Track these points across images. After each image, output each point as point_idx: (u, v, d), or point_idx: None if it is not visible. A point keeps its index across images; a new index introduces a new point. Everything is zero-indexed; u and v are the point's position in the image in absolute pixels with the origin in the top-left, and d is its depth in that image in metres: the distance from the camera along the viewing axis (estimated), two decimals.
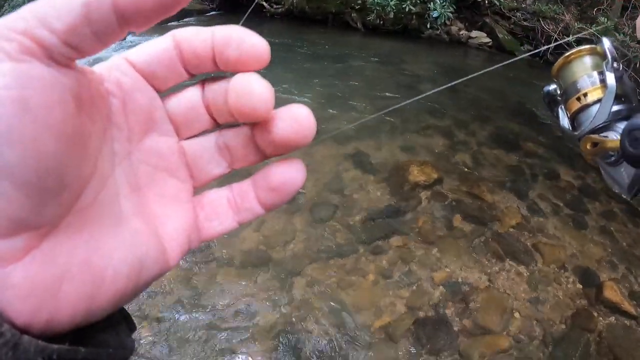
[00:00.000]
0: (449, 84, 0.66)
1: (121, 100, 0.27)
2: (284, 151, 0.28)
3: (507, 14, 7.95)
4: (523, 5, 7.87)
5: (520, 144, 4.23)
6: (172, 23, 10.28)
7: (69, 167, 0.22)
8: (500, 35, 7.92)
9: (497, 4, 7.89)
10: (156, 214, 0.28)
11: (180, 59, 0.27)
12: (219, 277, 2.56)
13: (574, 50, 0.94)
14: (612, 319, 2.53)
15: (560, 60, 0.97)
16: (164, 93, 0.29)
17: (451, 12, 7.75)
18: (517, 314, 2.45)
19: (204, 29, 0.27)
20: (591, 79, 0.92)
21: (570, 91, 0.95)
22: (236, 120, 0.28)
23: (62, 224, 0.22)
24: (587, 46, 0.94)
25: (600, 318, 2.52)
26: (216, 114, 0.29)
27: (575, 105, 0.93)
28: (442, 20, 7.82)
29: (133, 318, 0.29)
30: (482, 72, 0.73)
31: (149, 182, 0.28)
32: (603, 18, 6.81)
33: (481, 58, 7.86)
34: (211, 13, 11.56)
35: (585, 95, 0.91)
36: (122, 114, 0.27)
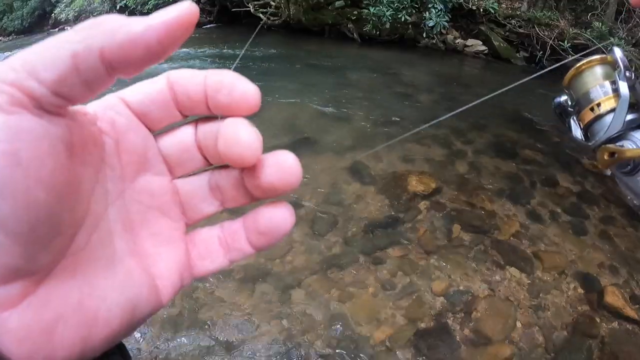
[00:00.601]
0: (481, 99, 0.66)
1: (115, 140, 0.27)
2: (272, 196, 0.29)
3: (502, 22, 8.00)
4: (518, 13, 7.91)
5: (517, 151, 4.24)
6: None
7: (61, 215, 0.22)
8: (495, 43, 7.96)
9: (492, 11, 7.94)
10: (149, 253, 0.28)
11: (174, 101, 0.27)
12: (218, 292, 2.56)
13: (584, 61, 0.94)
14: (615, 324, 2.51)
15: (572, 71, 0.97)
16: (158, 131, 0.30)
17: (447, 21, 7.81)
18: (518, 322, 2.44)
19: (198, 72, 0.27)
20: (603, 88, 0.92)
21: (582, 102, 0.95)
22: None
23: (57, 268, 0.23)
24: (598, 56, 0.94)
25: (603, 324, 2.50)
26: (208, 155, 0.30)
27: (589, 116, 0.93)
28: (438, 29, 7.87)
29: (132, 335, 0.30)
30: (513, 85, 0.74)
31: (142, 221, 0.29)
32: (597, 23, 6.85)
33: (478, 66, 7.90)
34: (208, 26, 11.63)
35: (598, 105, 0.91)
36: (116, 154, 0.27)
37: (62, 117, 0.22)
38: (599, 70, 0.94)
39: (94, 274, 0.25)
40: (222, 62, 7.34)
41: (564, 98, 1.02)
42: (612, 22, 6.94)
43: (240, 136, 0.25)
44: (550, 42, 7.22)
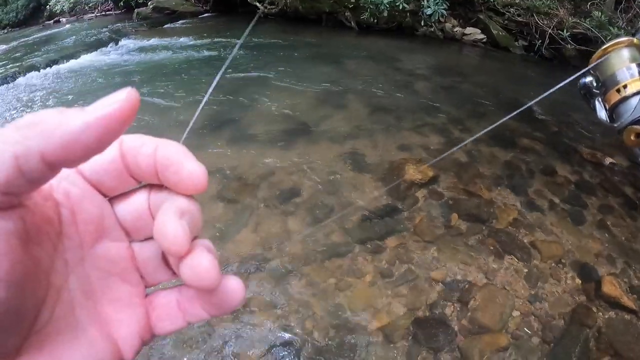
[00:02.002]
0: (528, 105, 0.66)
1: (70, 210, 0.28)
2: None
3: (501, 10, 7.94)
4: (517, 1, 7.85)
5: (516, 140, 4.22)
6: (167, 26, 10.28)
7: (23, 304, 0.23)
8: (494, 32, 7.93)
9: (491, 0, 7.89)
10: (111, 319, 0.30)
11: (126, 169, 0.29)
12: None
13: (611, 43, 0.95)
14: (612, 313, 2.51)
15: (598, 52, 0.97)
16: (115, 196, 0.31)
17: (445, 9, 7.76)
18: (516, 311, 2.44)
19: (149, 142, 0.28)
20: (630, 71, 0.92)
21: (609, 83, 0.95)
22: None
23: (23, 347, 0.24)
24: (625, 38, 0.94)
25: (600, 313, 2.50)
26: None
27: (615, 97, 0.93)
28: (436, 18, 7.83)
29: None
30: (554, 89, 0.74)
31: (103, 287, 0.30)
32: (597, 12, 6.80)
33: (476, 55, 7.87)
34: (204, 15, 11.56)
35: (625, 87, 0.91)
36: (72, 223, 0.28)
37: (13, 209, 0.23)
38: (625, 52, 0.95)
39: (59, 347, 0.26)
40: (219, 51, 7.29)
41: (589, 79, 1.03)
42: (612, 12, 6.89)
43: (167, 231, 0.26)
44: (550, 31, 7.18)
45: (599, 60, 0.99)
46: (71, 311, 0.27)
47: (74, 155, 0.22)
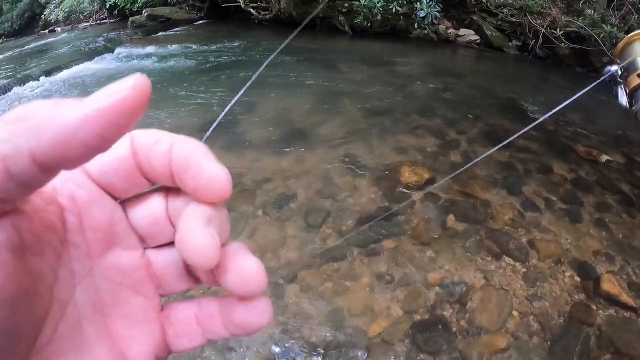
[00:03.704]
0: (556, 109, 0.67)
1: (77, 216, 0.25)
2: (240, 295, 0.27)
3: (494, 11, 7.98)
4: (510, 1, 7.89)
5: (512, 140, 4.22)
6: (162, 34, 10.29)
7: (20, 323, 0.21)
8: (488, 32, 7.96)
9: (484, 1, 7.92)
10: (122, 337, 0.27)
11: (139, 169, 0.25)
12: (215, 288, 2.53)
13: (635, 33, 1.00)
14: (612, 311, 2.50)
15: (624, 40, 1.03)
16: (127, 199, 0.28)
17: (438, 12, 7.79)
18: (515, 312, 2.43)
19: (165, 139, 0.25)
20: None
21: (631, 68, 1.00)
22: None
23: None
24: None
25: (600, 311, 2.49)
26: None
27: (635, 82, 0.98)
28: (430, 20, 7.85)
29: None
30: (576, 96, 0.76)
31: (114, 301, 0.27)
32: (590, 10, 6.83)
33: (471, 56, 7.89)
34: (199, 22, 11.59)
35: None
36: (80, 231, 0.25)
37: (5, 217, 0.20)
38: None
39: None
40: (214, 59, 7.30)
41: (615, 68, 1.08)
42: (605, 10, 6.92)
43: (193, 242, 0.23)
44: (543, 30, 7.21)
45: (626, 47, 1.06)
46: (78, 328, 0.25)
47: (71, 155, 0.19)
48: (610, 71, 1.09)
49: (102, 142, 0.19)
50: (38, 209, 0.23)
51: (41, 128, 0.18)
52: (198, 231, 0.23)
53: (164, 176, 0.25)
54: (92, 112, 0.19)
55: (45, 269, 0.23)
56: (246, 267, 0.25)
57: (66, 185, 0.25)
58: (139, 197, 0.27)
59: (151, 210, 0.27)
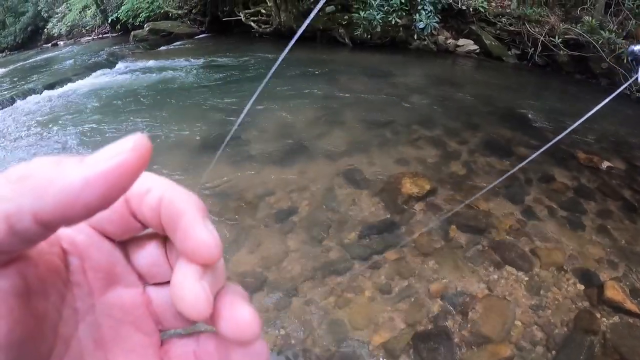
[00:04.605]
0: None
1: (79, 257, 0.26)
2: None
3: (493, 20, 8.02)
4: (508, 11, 7.93)
5: (512, 149, 4.23)
6: (164, 48, 10.37)
7: None
8: (487, 42, 7.99)
9: (482, 10, 7.96)
10: None
11: (133, 217, 0.26)
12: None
13: None
14: (616, 318, 2.49)
15: None
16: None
17: (437, 22, 7.83)
18: (518, 321, 2.43)
19: (155, 189, 0.25)
20: None
21: None
22: None
23: None
24: None
25: (604, 319, 2.48)
26: None
27: None
28: (429, 31, 7.90)
29: None
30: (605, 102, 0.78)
31: (115, 337, 0.27)
32: (588, 17, 6.85)
33: (470, 65, 7.91)
34: (200, 36, 11.68)
35: None
36: (81, 271, 0.26)
37: (11, 265, 0.21)
38: None
39: None
40: (216, 72, 7.35)
41: (637, 47, 1.14)
42: (602, 16, 6.94)
43: (185, 296, 0.24)
44: (541, 38, 7.24)
45: None
46: None
47: (72, 215, 0.20)
48: (633, 50, 1.15)
49: (104, 202, 0.20)
50: (42, 252, 0.24)
51: (44, 189, 0.19)
52: (190, 284, 0.24)
53: (156, 227, 0.25)
54: (94, 175, 0.19)
55: (50, 309, 0.24)
56: (240, 316, 0.25)
57: (66, 229, 0.25)
58: (139, 238, 0.28)
59: (150, 251, 0.28)
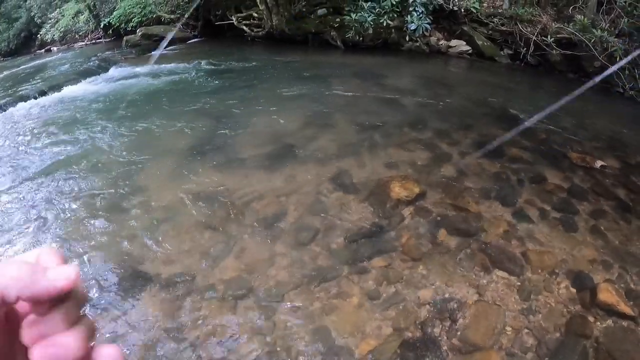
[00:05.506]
0: None
1: None
2: None
3: (485, 21, 8.00)
4: (500, 11, 7.91)
5: (504, 150, 4.18)
6: (155, 52, 10.33)
7: None
8: (479, 42, 7.97)
9: (474, 11, 7.94)
10: None
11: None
12: (203, 310, 2.48)
13: None
14: (609, 321, 2.44)
15: None
16: None
17: (429, 24, 7.81)
18: (508, 327, 2.37)
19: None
20: None
21: None
22: None
23: None
24: None
25: (597, 322, 2.43)
26: None
27: None
28: (421, 32, 7.87)
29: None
30: None
31: None
32: (580, 16, 6.83)
33: (462, 66, 7.90)
34: (193, 40, 11.66)
35: None
36: None
37: None
38: None
39: None
40: (208, 76, 7.31)
41: None
42: (594, 14, 6.93)
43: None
44: (534, 37, 7.22)
45: None
46: None
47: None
48: None
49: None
50: None
51: None
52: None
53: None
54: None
55: None
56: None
57: None
58: None
59: None
